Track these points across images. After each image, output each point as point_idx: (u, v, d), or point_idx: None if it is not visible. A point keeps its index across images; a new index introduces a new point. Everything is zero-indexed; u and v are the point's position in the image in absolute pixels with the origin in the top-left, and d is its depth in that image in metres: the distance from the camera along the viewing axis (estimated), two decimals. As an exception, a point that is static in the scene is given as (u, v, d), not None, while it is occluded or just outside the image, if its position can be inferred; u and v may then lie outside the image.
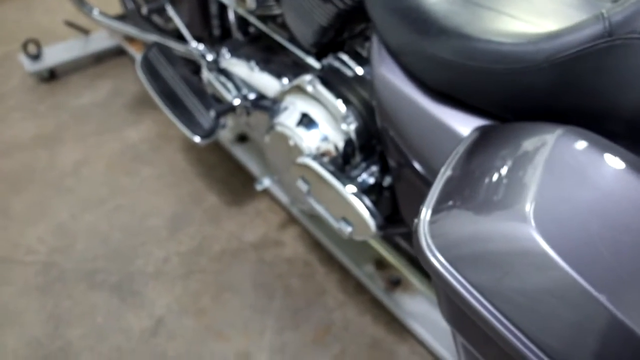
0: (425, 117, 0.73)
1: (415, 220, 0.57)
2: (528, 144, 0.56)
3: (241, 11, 1.21)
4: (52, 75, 1.86)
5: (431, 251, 0.53)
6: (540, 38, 0.58)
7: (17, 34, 2.07)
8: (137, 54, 1.88)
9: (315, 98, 0.94)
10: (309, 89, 0.93)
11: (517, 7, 0.73)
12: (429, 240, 0.54)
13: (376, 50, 0.81)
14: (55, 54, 1.86)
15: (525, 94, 0.62)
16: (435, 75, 0.70)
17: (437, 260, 0.52)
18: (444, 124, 0.70)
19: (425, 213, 0.57)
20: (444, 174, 0.61)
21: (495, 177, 0.55)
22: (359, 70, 1.01)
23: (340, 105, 0.89)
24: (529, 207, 0.48)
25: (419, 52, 0.70)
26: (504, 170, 0.54)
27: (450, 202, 0.57)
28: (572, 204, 0.48)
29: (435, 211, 0.57)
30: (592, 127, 0.55)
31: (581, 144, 0.52)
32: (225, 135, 1.55)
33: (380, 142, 0.91)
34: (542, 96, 0.61)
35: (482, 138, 0.63)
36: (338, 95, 0.91)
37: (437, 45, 0.67)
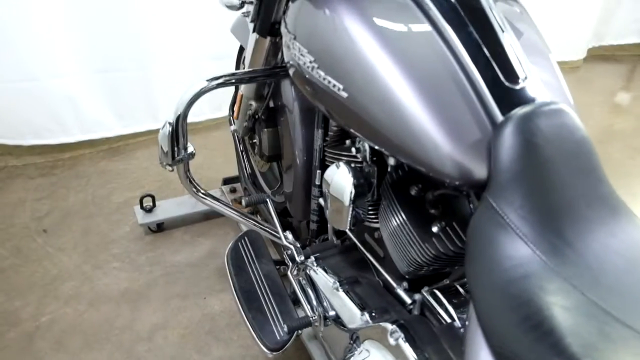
0: None
1: None
2: None
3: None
4: (159, 228, 1.93)
5: None
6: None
7: (143, 182, 2.24)
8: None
9: (394, 351, 0.81)
10: (391, 341, 0.80)
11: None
12: None
13: (473, 329, 0.67)
14: (167, 208, 1.95)
15: None
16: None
17: None
18: None
19: None
20: None
21: None
22: (454, 317, 0.87)
23: (422, 377, 0.74)
24: None
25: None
26: None
27: None
28: None
29: None
30: None
31: None
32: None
33: None
34: None
35: None
36: (422, 358, 0.77)
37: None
